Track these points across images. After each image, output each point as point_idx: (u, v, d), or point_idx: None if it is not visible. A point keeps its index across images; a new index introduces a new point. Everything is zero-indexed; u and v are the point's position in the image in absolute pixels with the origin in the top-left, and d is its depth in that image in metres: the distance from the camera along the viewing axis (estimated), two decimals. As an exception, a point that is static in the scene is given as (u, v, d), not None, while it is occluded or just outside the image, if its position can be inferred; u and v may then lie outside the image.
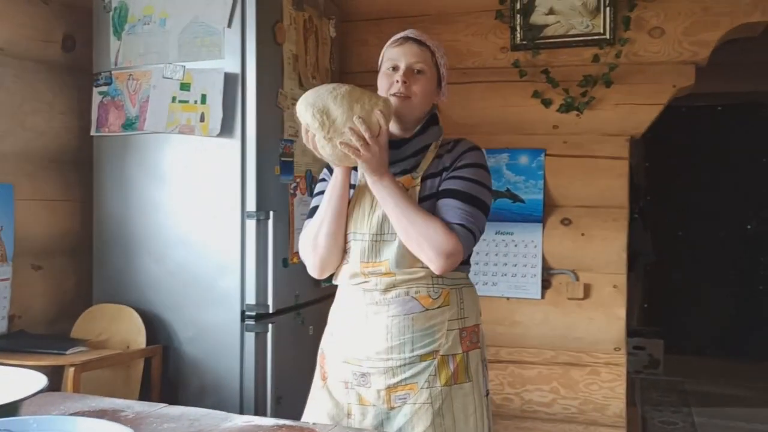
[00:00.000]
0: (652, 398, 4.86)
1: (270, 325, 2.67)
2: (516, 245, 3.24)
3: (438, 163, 1.69)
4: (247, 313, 2.66)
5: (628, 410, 3.18)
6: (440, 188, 1.66)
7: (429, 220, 1.59)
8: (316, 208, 1.75)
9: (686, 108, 5.49)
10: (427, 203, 1.64)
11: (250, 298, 2.65)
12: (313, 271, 1.74)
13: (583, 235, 3.20)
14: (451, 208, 1.62)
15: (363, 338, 1.66)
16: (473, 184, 1.65)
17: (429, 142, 1.72)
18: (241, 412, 2.54)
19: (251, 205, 2.65)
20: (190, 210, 2.75)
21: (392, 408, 1.62)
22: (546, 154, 3.24)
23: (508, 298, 3.27)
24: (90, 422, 0.80)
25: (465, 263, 1.71)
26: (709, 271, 5.81)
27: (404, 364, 1.62)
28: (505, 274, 3.26)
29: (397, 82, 1.66)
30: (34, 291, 2.78)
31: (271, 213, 2.67)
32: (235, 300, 2.67)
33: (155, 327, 2.77)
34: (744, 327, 5.65)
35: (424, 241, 1.57)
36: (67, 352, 2.50)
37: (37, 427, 0.79)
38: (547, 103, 3.23)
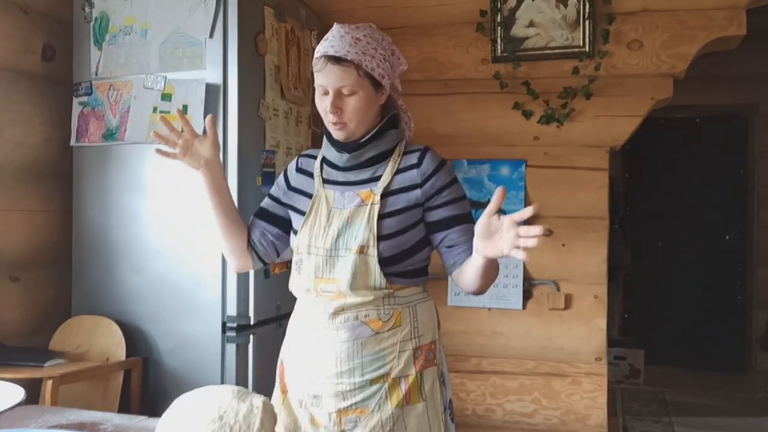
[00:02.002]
0: (632, 408, 4.88)
1: (251, 336, 2.65)
2: (497, 256, 3.25)
3: (402, 179, 1.63)
4: (228, 324, 2.64)
5: (609, 420, 3.20)
6: (434, 218, 1.63)
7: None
8: (261, 207, 1.85)
9: (665, 120, 5.56)
10: (390, 220, 1.60)
11: (231, 310, 2.64)
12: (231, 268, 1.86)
13: (564, 246, 3.23)
14: (463, 240, 1.62)
15: (314, 361, 1.64)
16: (461, 201, 1.66)
17: (386, 148, 1.66)
18: (222, 424, 2.51)
19: (233, 216, 2.64)
20: (171, 221, 2.73)
21: (343, 431, 1.60)
22: (527, 165, 3.27)
23: (489, 309, 3.28)
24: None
25: (423, 274, 1.69)
26: (688, 281, 5.86)
27: (354, 389, 1.60)
28: (487, 285, 3.26)
29: (331, 111, 1.60)
30: (11, 303, 2.74)
31: (253, 224, 2.66)
32: (215, 311, 2.65)
33: (135, 339, 2.74)
34: (723, 338, 5.71)
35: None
36: (45, 365, 2.47)
37: (13, 438, 0.77)
38: (527, 114, 3.26)
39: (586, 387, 3.18)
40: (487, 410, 3.27)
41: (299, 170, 1.79)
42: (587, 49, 3.17)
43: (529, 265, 3.24)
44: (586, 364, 3.18)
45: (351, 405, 1.60)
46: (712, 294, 5.80)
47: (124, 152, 2.79)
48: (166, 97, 2.70)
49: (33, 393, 2.45)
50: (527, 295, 3.25)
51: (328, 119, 1.62)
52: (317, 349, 1.63)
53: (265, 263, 1.86)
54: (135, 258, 2.78)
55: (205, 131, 1.76)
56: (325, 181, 1.70)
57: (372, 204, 1.61)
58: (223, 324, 2.64)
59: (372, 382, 1.59)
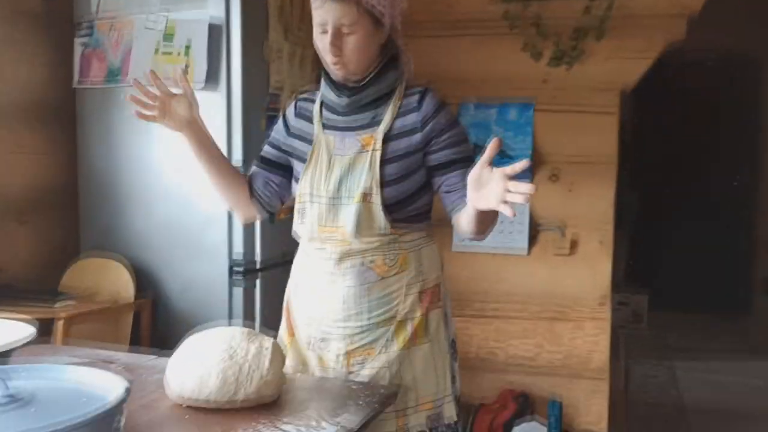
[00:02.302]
0: (635, 352, 4.95)
1: (257, 280, 2.68)
2: (503, 200, 3.24)
3: (402, 123, 1.60)
4: (235, 267, 2.66)
5: (610, 363, 3.24)
6: (433, 162, 1.61)
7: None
8: (262, 156, 1.81)
9: (677, 62, 5.46)
10: (392, 166, 1.58)
11: (238, 253, 2.65)
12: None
13: (570, 190, 3.21)
14: (463, 184, 1.57)
15: (321, 306, 1.66)
16: (463, 144, 1.63)
17: (387, 90, 1.62)
18: (230, 364, 2.56)
19: (237, 159, 2.63)
20: (176, 163, 2.72)
21: (351, 372, 1.62)
22: (535, 109, 3.22)
23: (494, 254, 3.29)
24: (81, 370, 0.80)
25: (425, 218, 1.69)
26: (695, 226, 5.86)
27: (362, 331, 1.62)
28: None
29: (330, 50, 1.54)
30: (19, 245, 2.77)
31: (258, 167, 2.65)
32: (222, 254, 2.66)
33: (143, 280, 2.77)
34: (727, 282, 5.73)
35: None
36: (56, 305, 2.50)
37: (26, 375, 0.79)
38: (536, 56, 3.20)
39: (588, 330, 3.21)
40: (490, 353, 3.32)
41: (298, 114, 1.74)
42: (599, -12, 3.09)
43: (534, 210, 3.24)
44: (589, 308, 3.20)
45: (358, 347, 1.62)
46: (719, 238, 5.80)
47: (127, 93, 2.76)
48: (168, 37, 2.65)
49: (44, 333, 2.49)
50: (532, 240, 3.25)
51: (327, 58, 1.57)
52: (324, 294, 1.64)
53: (271, 213, 1.85)
54: (141, 200, 2.78)
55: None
56: (325, 126, 1.67)
57: (374, 150, 1.59)
58: (230, 267, 2.66)
59: (379, 324, 1.61)
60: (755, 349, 4.93)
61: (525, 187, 1.33)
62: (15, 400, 0.70)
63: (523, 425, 3.00)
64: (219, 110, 2.62)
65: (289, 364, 1.69)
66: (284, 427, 1.20)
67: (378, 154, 1.59)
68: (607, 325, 3.20)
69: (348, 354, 1.63)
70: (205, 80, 2.60)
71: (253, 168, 1.83)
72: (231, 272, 2.66)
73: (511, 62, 3.24)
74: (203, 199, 2.69)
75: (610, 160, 3.18)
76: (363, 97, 1.61)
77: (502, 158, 3.29)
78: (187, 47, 2.61)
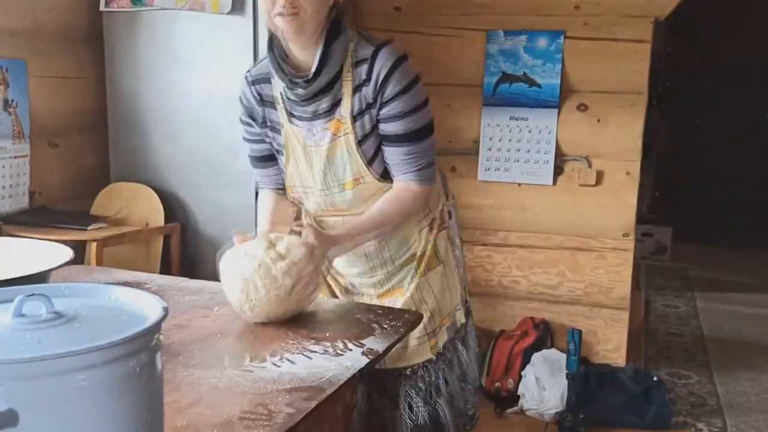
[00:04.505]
0: (656, 283, 4.98)
1: (284, 206, 2.71)
2: (530, 131, 3.21)
3: (360, 97, 1.53)
4: (262, 193, 2.69)
5: (632, 294, 3.27)
6: (381, 131, 1.55)
7: (395, 213, 1.57)
8: (253, 157, 1.72)
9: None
10: (368, 143, 1.56)
11: (265, 179, 2.68)
12: None
13: (599, 121, 3.17)
14: (401, 159, 1.56)
15: (345, 264, 1.72)
16: (408, 116, 1.53)
17: (338, 67, 1.51)
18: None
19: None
20: (203, 90, 2.73)
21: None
22: (565, 37, 3.15)
23: (519, 184, 3.28)
24: (120, 290, 0.84)
25: None
26: (723, 159, 5.77)
27: (388, 276, 1.70)
28: (518, 160, 3.25)
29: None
30: (52, 168, 2.82)
31: (285, 94, 2.65)
32: (249, 182, 2.69)
33: (172, 206, 2.83)
34: (754, 216, 5.68)
35: (408, 218, 1.63)
36: (89, 228, 2.57)
37: (69, 293, 0.83)
38: (569, -19, 3.10)
39: (611, 261, 3.23)
40: (512, 281, 3.36)
41: (262, 102, 1.64)
42: None
43: (561, 140, 3.21)
44: (613, 239, 3.21)
45: (387, 290, 1.71)
46: (746, 173, 5.72)
47: (154, 18, 2.75)
48: (194, -40, 2.61)
49: (78, 255, 2.56)
50: (558, 170, 3.23)
51: (277, 11, 1.45)
52: (344, 256, 1.68)
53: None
54: (169, 127, 2.81)
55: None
56: (291, 116, 1.60)
57: (345, 134, 1.55)
58: (257, 193, 2.69)
59: (402, 265, 1.70)
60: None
61: None
62: (60, 316, 0.74)
63: (543, 351, 3.06)
64: (246, 36, 2.61)
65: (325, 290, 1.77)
66: (311, 347, 1.25)
67: (351, 137, 1.55)
68: (630, 256, 3.21)
69: (379, 297, 1.71)
70: (231, 4, 2.57)
71: (258, 179, 1.78)
72: (257, 198, 2.69)
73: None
74: (229, 128, 2.70)
75: (641, 90, 3.11)
76: (317, 84, 1.51)
77: (530, 87, 3.25)
78: (213, -29, 2.57)
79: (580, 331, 2.81)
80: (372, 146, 1.58)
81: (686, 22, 5.36)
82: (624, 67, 3.10)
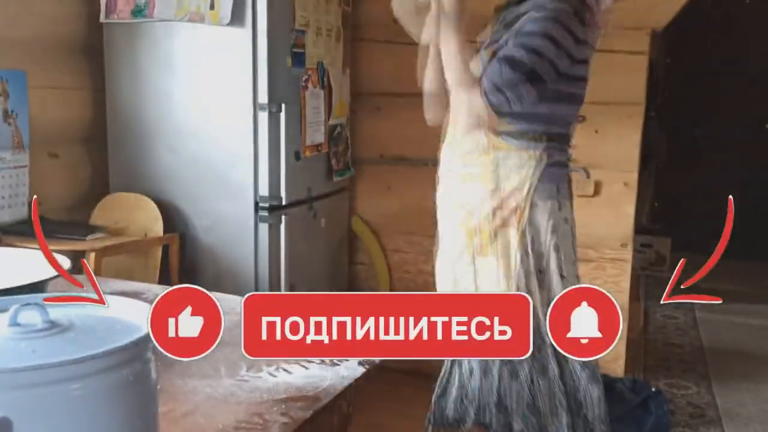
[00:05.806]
0: (655, 294, 4.97)
1: (283, 217, 2.72)
2: (528, 141, 3.21)
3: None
4: (261, 204, 2.71)
5: (631, 305, 3.27)
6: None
7: (468, 82, 1.76)
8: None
9: (712, 0, 5.28)
10: None
11: (263, 190, 2.69)
12: None
13: (596, 132, 3.17)
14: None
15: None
16: (519, 49, 1.73)
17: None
18: (256, 298, 2.63)
19: (263, 98, 2.64)
20: (202, 101, 2.75)
21: None
22: (563, 48, 3.16)
23: (518, 194, 3.28)
24: (115, 299, 0.84)
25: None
26: (722, 170, 5.78)
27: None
28: (517, 170, 3.25)
29: None
30: (51, 178, 2.83)
31: (283, 105, 2.66)
32: (248, 191, 2.71)
33: (171, 216, 2.83)
34: (754, 227, 5.68)
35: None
36: (87, 238, 2.58)
37: (63, 303, 0.83)
38: (567, -6, 3.11)
39: (609, 272, 3.22)
40: (512, 292, 3.36)
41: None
42: None
43: (560, 151, 3.21)
44: (611, 249, 3.21)
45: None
46: (745, 183, 5.72)
47: (154, 30, 2.77)
48: (193, -28, 2.63)
49: (76, 265, 2.57)
50: (557, 181, 3.23)
51: None
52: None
53: None
54: (169, 137, 2.82)
55: None
56: None
57: None
58: (256, 204, 2.71)
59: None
60: (777, 294, 4.91)
61: None
62: (55, 326, 0.74)
63: (541, 363, 3.06)
64: (245, 48, 2.62)
65: None
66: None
67: None
68: (628, 266, 3.21)
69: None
70: (230, 16, 2.59)
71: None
72: (257, 209, 2.71)
73: None
74: (229, 138, 2.72)
75: (639, 101, 3.12)
76: (507, 14, 1.90)
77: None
78: (212, -18, 2.59)
79: (578, 342, 2.81)
80: None
81: (685, 33, 5.38)
82: (622, 78, 3.11)
